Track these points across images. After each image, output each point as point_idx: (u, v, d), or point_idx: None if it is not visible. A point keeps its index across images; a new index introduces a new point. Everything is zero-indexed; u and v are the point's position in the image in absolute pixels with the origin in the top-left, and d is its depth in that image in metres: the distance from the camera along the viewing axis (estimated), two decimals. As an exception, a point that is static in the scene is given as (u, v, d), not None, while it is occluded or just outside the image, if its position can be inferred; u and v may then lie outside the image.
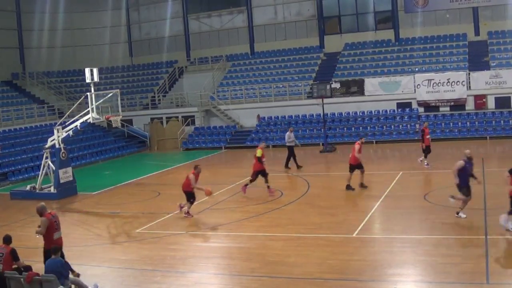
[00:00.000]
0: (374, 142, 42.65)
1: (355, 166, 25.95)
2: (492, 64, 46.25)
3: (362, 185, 26.01)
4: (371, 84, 46.61)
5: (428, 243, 17.39)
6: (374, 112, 45.95)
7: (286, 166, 33.93)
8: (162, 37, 59.51)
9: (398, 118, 44.98)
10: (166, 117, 51.22)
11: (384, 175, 30.03)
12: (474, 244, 16.62)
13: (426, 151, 31.56)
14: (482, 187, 24.40)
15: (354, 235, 18.63)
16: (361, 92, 46.85)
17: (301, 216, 21.87)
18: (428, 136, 31.72)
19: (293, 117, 47.58)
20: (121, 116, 31.22)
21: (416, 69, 47.43)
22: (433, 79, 44.87)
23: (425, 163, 31.19)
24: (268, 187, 26.29)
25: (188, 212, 22.80)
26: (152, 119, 50.91)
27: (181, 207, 23.35)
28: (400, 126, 43.94)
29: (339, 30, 55.04)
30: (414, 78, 45.46)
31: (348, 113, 46.58)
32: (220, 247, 19.02)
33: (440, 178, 28.03)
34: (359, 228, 19.29)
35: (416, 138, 42.02)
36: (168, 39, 59.16)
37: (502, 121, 42.37)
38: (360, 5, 54.09)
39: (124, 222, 23.22)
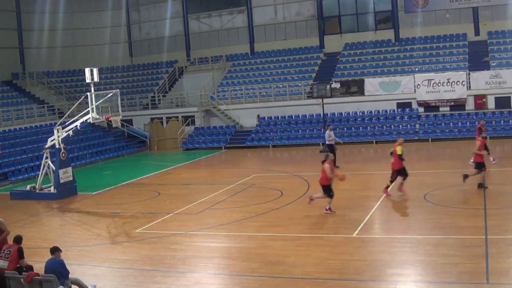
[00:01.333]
0: (374, 142, 42.61)
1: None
2: (492, 64, 46.27)
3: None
4: (371, 84, 46.61)
5: (428, 243, 17.39)
6: (374, 112, 45.95)
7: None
8: (162, 37, 59.54)
9: (398, 118, 44.98)
10: (166, 117, 51.22)
11: (385, 175, 29.94)
12: (474, 244, 16.60)
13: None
14: (482, 188, 24.44)
15: (354, 235, 18.63)
16: (361, 92, 46.84)
17: (301, 216, 21.86)
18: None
19: (293, 117, 47.59)
20: (121, 116, 31.22)
21: (416, 69, 47.43)
22: (433, 79, 44.87)
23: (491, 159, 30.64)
24: (402, 184, 24.35)
25: (329, 209, 21.87)
26: (152, 119, 50.92)
27: (311, 199, 22.39)
28: (400, 126, 43.92)
29: (339, 30, 55.03)
30: (414, 78, 45.47)
31: (348, 113, 46.58)
32: (220, 247, 19.03)
33: (440, 178, 28.01)
34: (359, 228, 19.30)
35: (416, 138, 42.13)
36: (168, 39, 59.17)
37: (502, 121, 42.37)
38: (360, 5, 54.08)
39: (124, 222, 23.23)
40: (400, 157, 24.05)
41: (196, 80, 54.26)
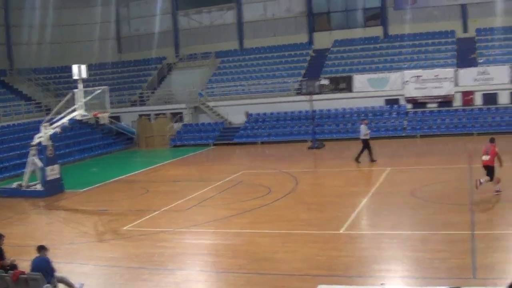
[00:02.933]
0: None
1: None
2: (479, 61, 46.43)
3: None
4: (359, 80, 46.67)
5: (415, 239, 17.41)
6: (363, 108, 46.01)
7: (357, 160, 32.54)
8: (151, 33, 59.15)
9: (386, 114, 45.05)
10: (155, 114, 51.06)
11: (372, 171, 30.10)
12: (461, 240, 16.63)
13: None
14: (469, 183, 24.53)
15: (342, 231, 18.63)
16: (349, 88, 46.91)
17: (289, 213, 21.87)
18: None
19: (282, 114, 47.60)
20: (109, 113, 31.12)
21: (405, 66, 47.46)
22: (421, 76, 45.00)
23: None
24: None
25: (498, 190, 21.72)
26: (140, 115, 50.79)
27: (480, 183, 21.43)
28: (388, 122, 43.98)
29: (328, 27, 55.09)
30: (402, 74, 45.57)
31: (337, 109, 46.61)
32: (207, 244, 18.98)
33: (427, 174, 28.09)
34: (347, 224, 19.31)
35: (404, 134, 42.18)
36: (157, 36, 58.82)
37: (489, 118, 42.53)
38: (349, 1, 54.15)
39: (111, 220, 23.12)
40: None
41: (185, 76, 54.08)
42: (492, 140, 22.63)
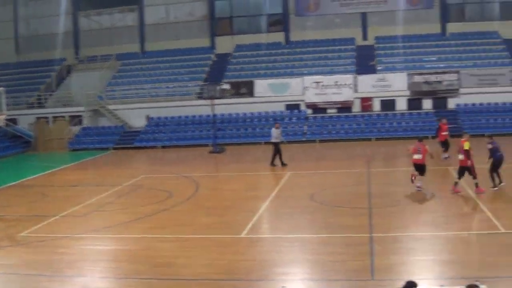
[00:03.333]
0: (263, 143, 42.86)
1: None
2: (378, 68, 47.69)
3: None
4: (261, 85, 47.04)
5: (315, 242, 17.62)
6: (264, 113, 46.37)
7: (272, 163, 32.43)
8: (51, 34, 57.57)
9: (286, 119, 45.55)
10: (53, 117, 49.79)
11: (273, 175, 30.33)
12: (359, 242, 16.95)
13: (444, 145, 31.73)
14: (367, 187, 25.12)
15: (242, 235, 18.64)
16: (250, 93, 47.20)
17: (190, 217, 21.74)
18: (445, 133, 31.69)
19: (183, 118, 47.39)
20: (5, 115, 30.16)
21: (306, 72, 48.14)
22: (321, 82, 45.78)
23: (444, 156, 31.43)
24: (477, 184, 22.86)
25: (419, 186, 23.68)
26: (38, 118, 49.42)
27: (415, 178, 23.76)
28: (289, 127, 44.46)
29: (230, 31, 55.26)
30: (303, 80, 46.22)
31: (238, 114, 46.81)
32: (107, 250, 18.59)
33: (327, 178, 28.55)
34: (248, 228, 19.32)
35: (304, 139, 42.77)
36: (57, 36, 57.34)
37: (386, 123, 43.73)
38: (252, 7, 54.57)
39: (7, 226, 22.30)
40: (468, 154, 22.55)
41: (85, 78, 52.94)
42: (420, 140, 24.27)
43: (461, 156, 22.60)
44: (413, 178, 23.63)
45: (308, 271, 15.31)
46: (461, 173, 22.86)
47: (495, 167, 23.30)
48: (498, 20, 51.46)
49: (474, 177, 22.72)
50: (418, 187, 23.68)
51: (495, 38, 50.20)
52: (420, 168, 23.73)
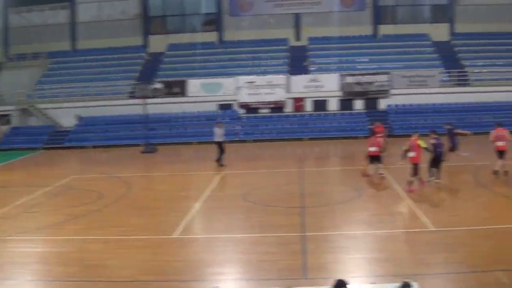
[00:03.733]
0: (196, 143, 42.61)
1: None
2: (311, 69, 48.04)
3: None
4: (193, 85, 46.76)
5: (247, 241, 17.55)
6: (196, 113, 46.11)
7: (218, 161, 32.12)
8: (-23, 30, 56.11)
9: (219, 119, 45.27)
10: (-20, 116, 48.44)
11: (205, 175, 30.11)
12: (292, 242, 16.97)
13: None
14: (300, 186, 25.24)
15: (174, 236, 18.41)
16: (183, 93, 46.86)
17: (121, 218, 21.39)
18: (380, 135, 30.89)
19: (115, 117, 46.65)
20: None
21: (239, 72, 48.03)
22: (254, 82, 45.83)
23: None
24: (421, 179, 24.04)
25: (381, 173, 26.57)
26: (-36, 117, 48.04)
27: (381, 174, 26.37)
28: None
29: (164, 30, 54.79)
30: (236, 80, 46.17)
31: (170, 114, 46.38)
32: (36, 252, 18.07)
33: (259, 178, 28.57)
34: (180, 229, 19.11)
35: (236, 139, 42.65)
36: (-15, 34, 55.92)
37: (319, 123, 44.11)
38: (186, 6, 54.23)
39: None
40: (426, 149, 23.66)
41: (14, 77, 51.44)
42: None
43: (412, 154, 23.19)
44: (366, 174, 26.16)
45: (241, 270, 15.25)
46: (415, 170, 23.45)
47: (434, 162, 24.16)
48: (429, 23, 52.65)
49: (414, 175, 23.30)
50: (381, 173, 26.24)
51: (425, 40, 51.28)
52: (376, 158, 26.32)
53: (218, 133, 32.34)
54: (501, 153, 25.23)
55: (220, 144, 32.15)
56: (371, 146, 26.12)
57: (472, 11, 51.79)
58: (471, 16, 51.71)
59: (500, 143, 25.24)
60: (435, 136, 24.43)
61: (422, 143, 23.29)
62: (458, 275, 14.21)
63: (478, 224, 18.36)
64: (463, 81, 46.50)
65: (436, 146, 24.07)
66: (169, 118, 46.16)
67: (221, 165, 31.82)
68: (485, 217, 19.35)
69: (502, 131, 25.52)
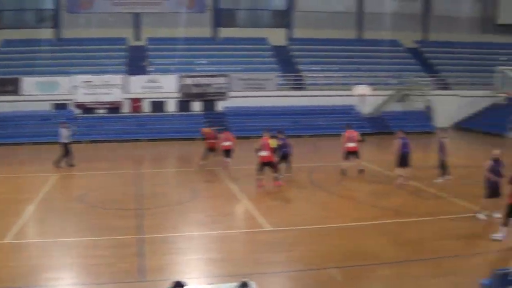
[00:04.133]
0: (31, 144, 41.25)
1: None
2: (149, 69, 47.97)
3: None
4: (28, 83, 45.26)
5: (81, 245, 17.32)
6: (31, 112, 44.53)
7: (62, 164, 31.09)
8: None
9: (54, 119, 44.05)
10: None
11: (39, 177, 29.29)
12: (128, 244, 17.01)
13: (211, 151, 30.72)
14: (137, 188, 25.25)
15: (6, 241, 17.83)
16: (17, 91, 45.21)
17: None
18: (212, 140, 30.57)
19: None
20: None
21: (76, 71, 46.99)
22: (91, 81, 45.13)
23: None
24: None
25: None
26: None
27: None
28: (55, 127, 43.03)
29: (-3, 26, 52.64)
30: (73, 79, 45.23)
31: (3, 113, 44.43)
32: None
33: (95, 180, 28.25)
34: (13, 233, 18.53)
35: (72, 139, 41.68)
36: None
37: (157, 124, 44.17)
38: (22, 1, 52.59)
39: None
40: (276, 150, 25.49)
41: None
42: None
43: (265, 153, 24.60)
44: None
45: (75, 275, 15.08)
46: (262, 168, 24.83)
47: (281, 160, 26.41)
48: (268, 28, 54.16)
49: (276, 172, 25.14)
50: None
51: (264, 44, 52.67)
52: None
53: (64, 134, 31.69)
54: (351, 154, 27.72)
55: (65, 146, 31.48)
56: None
57: (309, 18, 53.91)
58: (308, 22, 53.81)
59: (351, 144, 27.57)
60: (282, 136, 26.46)
61: (272, 142, 25.06)
62: (295, 273, 14.92)
63: (316, 223, 19.39)
64: (298, 85, 48.27)
65: (281, 146, 26.02)
66: (2, 117, 44.12)
67: (72, 166, 31.21)
68: (323, 216, 20.45)
69: (353, 133, 27.79)
